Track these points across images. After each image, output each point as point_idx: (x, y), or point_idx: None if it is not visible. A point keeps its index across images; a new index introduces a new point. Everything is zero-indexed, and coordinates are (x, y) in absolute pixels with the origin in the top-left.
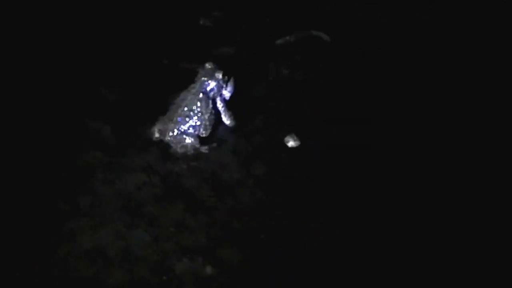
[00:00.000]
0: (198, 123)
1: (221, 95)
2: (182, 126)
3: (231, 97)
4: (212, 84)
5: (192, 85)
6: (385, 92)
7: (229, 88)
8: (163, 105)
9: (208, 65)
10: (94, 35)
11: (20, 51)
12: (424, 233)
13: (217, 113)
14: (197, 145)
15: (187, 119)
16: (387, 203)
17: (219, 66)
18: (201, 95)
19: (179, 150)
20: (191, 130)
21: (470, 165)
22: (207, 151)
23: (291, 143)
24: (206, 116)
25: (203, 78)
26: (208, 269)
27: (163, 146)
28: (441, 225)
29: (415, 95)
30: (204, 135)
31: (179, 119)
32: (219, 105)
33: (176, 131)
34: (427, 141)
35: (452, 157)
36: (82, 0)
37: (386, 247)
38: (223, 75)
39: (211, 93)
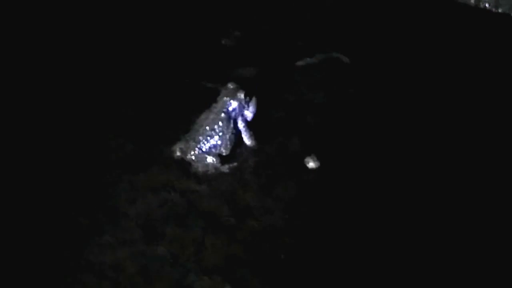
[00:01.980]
0: (219, 142)
1: (242, 115)
2: (203, 146)
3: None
4: (234, 104)
5: (214, 105)
6: (406, 113)
7: (251, 109)
8: (185, 124)
9: (230, 85)
10: (117, 54)
11: (45, 68)
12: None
13: (238, 133)
14: (218, 165)
15: (208, 138)
16: (408, 224)
17: (241, 86)
18: (223, 114)
19: (200, 169)
20: (212, 150)
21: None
22: (228, 171)
23: (311, 164)
24: (227, 136)
25: (225, 98)
26: None
27: (185, 165)
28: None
29: (437, 116)
30: (224, 154)
31: (200, 138)
32: (240, 125)
33: (197, 150)
34: (449, 161)
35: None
36: (106, 19)
37: (405, 272)
38: (245, 95)
39: (233, 113)
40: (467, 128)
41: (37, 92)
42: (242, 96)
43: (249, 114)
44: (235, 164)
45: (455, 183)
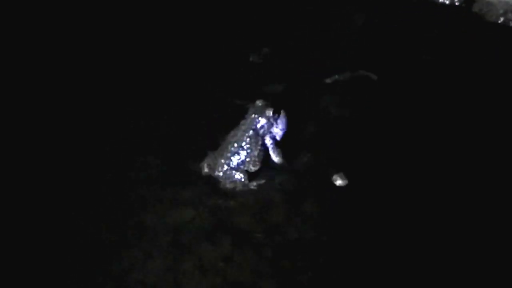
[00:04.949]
0: (247, 159)
1: (270, 132)
2: (231, 162)
3: None
4: (262, 121)
5: (243, 122)
6: (435, 132)
7: (280, 126)
8: (213, 140)
9: (258, 102)
10: (147, 71)
11: (75, 91)
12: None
13: (265, 150)
14: (246, 181)
15: (236, 155)
16: (438, 245)
17: (269, 104)
18: (251, 132)
19: (228, 186)
20: (240, 166)
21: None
22: (255, 188)
23: (339, 182)
24: (255, 153)
25: (253, 115)
26: None
27: (213, 181)
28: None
29: (467, 134)
30: (252, 171)
31: (228, 155)
32: (268, 142)
33: (225, 167)
34: (480, 183)
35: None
36: (137, 34)
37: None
38: (273, 113)
39: (261, 130)
40: (504, 155)
41: (64, 110)
42: (270, 113)
43: (278, 131)
44: (262, 181)
45: (486, 201)
